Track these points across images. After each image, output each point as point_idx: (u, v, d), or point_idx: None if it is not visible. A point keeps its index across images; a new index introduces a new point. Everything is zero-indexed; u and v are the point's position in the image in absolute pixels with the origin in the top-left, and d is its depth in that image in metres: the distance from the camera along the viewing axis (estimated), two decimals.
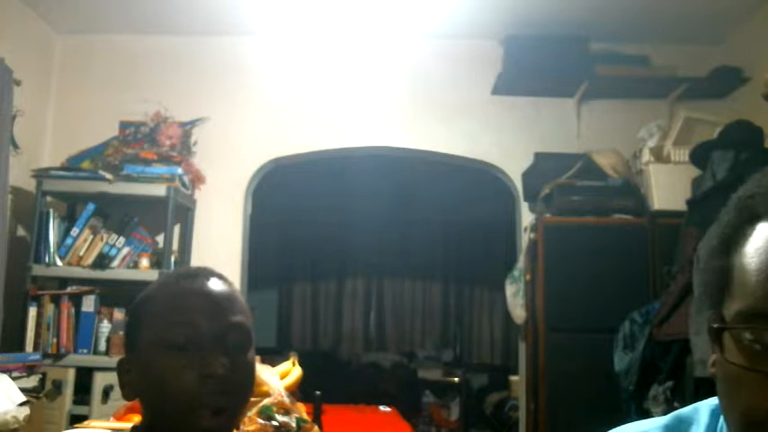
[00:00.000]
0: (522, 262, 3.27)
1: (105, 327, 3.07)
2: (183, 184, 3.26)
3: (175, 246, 3.31)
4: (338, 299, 6.97)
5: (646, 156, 3.16)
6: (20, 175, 3.14)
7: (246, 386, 0.93)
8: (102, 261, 3.08)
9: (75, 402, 2.92)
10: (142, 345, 0.91)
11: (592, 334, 2.86)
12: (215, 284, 0.94)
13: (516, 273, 3.27)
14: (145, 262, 3.13)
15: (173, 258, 3.22)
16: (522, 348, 3.39)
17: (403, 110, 3.56)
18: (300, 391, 1.88)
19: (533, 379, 3.05)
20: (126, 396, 0.95)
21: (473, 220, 6.53)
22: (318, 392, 2.23)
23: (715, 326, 0.63)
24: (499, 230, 6.21)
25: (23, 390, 2.50)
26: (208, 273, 0.96)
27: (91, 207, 3.12)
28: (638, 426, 0.80)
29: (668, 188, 3.02)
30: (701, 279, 0.69)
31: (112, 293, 3.12)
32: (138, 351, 0.92)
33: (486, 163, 3.58)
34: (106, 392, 2.91)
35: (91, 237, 3.10)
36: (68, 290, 3.11)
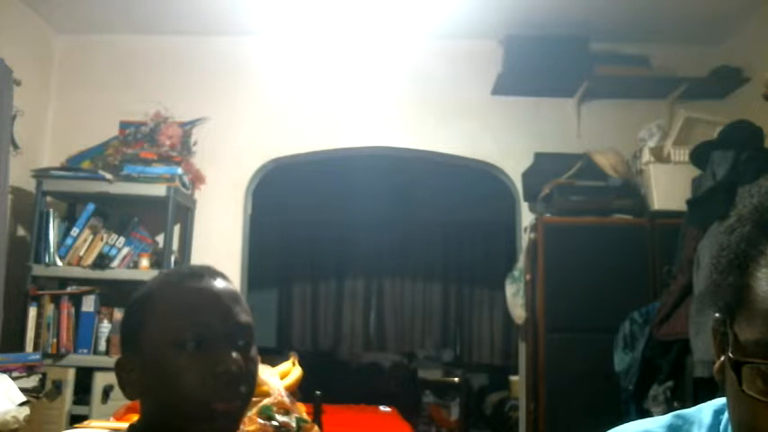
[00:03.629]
0: (522, 262, 3.27)
1: (105, 327, 3.07)
2: (183, 184, 3.26)
3: (175, 246, 3.31)
4: (338, 299, 6.96)
5: (646, 156, 3.16)
6: (20, 175, 3.14)
7: (254, 382, 0.96)
8: (102, 261, 3.08)
9: (75, 402, 2.92)
10: (149, 344, 0.92)
11: (592, 334, 2.87)
12: (221, 284, 0.96)
13: (516, 273, 3.27)
14: (145, 262, 3.13)
15: (173, 258, 3.22)
16: (522, 348, 3.39)
17: (403, 110, 3.56)
18: (300, 391, 1.88)
19: (533, 379, 3.05)
20: (129, 395, 0.96)
21: (473, 220, 6.53)
22: (318, 392, 2.23)
23: (732, 357, 0.61)
24: (499, 230, 6.21)
25: (23, 390, 2.50)
26: (213, 272, 0.98)
27: (91, 207, 3.12)
28: (640, 424, 0.80)
29: (668, 188, 3.02)
30: (710, 288, 0.67)
31: (112, 293, 3.12)
32: (143, 350, 0.92)
33: (486, 163, 3.58)
34: (106, 392, 2.91)
35: (91, 237, 3.10)
36: (68, 290, 3.11)
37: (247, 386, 0.93)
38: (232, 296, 0.96)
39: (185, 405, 0.89)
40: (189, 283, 0.95)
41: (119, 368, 0.96)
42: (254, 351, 0.96)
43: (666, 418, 0.78)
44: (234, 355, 0.91)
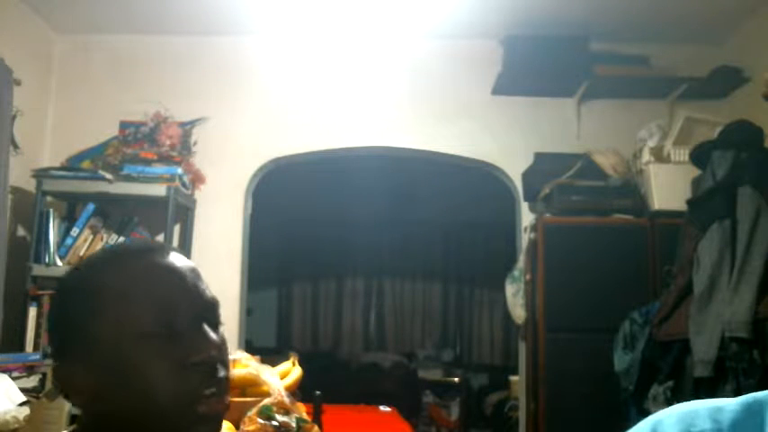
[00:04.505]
0: (522, 262, 3.27)
1: None
2: (183, 184, 3.26)
3: (175, 246, 3.31)
4: (338, 299, 6.97)
5: (646, 156, 3.16)
6: (20, 175, 3.14)
7: (229, 366, 0.84)
8: None
9: None
10: (103, 340, 0.76)
11: (592, 334, 2.86)
12: (179, 259, 0.82)
13: (516, 273, 3.27)
14: None
15: None
16: (522, 348, 3.39)
17: (403, 110, 3.56)
18: (300, 391, 1.88)
19: (533, 379, 3.05)
20: (79, 404, 0.79)
21: (473, 220, 6.53)
22: (318, 392, 2.23)
23: None
24: (499, 230, 6.21)
25: (23, 390, 2.50)
26: (165, 247, 0.84)
27: (91, 207, 3.12)
28: (712, 401, 0.79)
29: (668, 188, 3.02)
30: None
31: None
32: (95, 348, 0.76)
33: (486, 163, 3.58)
34: None
35: (91, 237, 3.10)
36: None
37: (226, 371, 0.81)
38: (194, 271, 0.82)
39: (161, 408, 0.75)
40: (143, 260, 0.80)
41: (62, 375, 0.79)
42: (222, 331, 0.83)
43: (741, 399, 0.77)
44: (212, 337, 0.79)
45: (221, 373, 0.79)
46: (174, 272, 0.80)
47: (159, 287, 0.78)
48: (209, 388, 0.77)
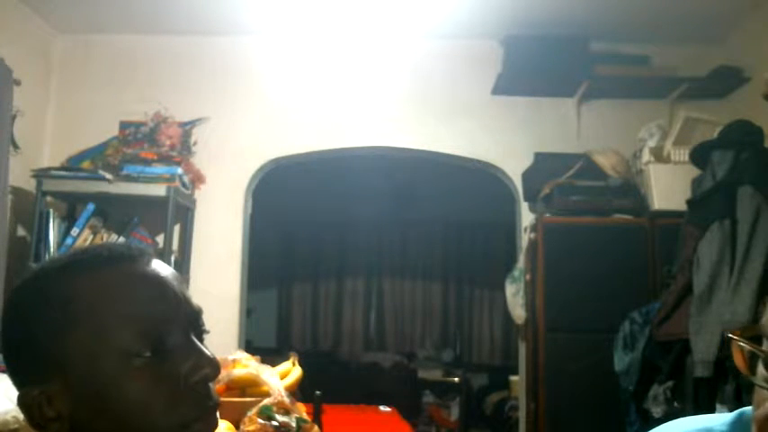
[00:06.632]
0: (522, 262, 3.27)
1: None
2: (183, 184, 3.26)
3: (175, 246, 3.31)
4: (338, 299, 6.97)
5: (646, 156, 3.16)
6: (20, 175, 3.14)
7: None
8: None
9: None
10: (80, 360, 0.66)
11: (592, 334, 2.87)
12: (161, 266, 0.74)
13: (516, 273, 3.27)
14: None
15: (173, 258, 3.22)
16: (522, 348, 3.39)
17: (403, 110, 3.56)
18: (300, 391, 1.88)
19: (533, 379, 3.05)
20: None
21: (473, 220, 6.54)
22: (318, 392, 2.23)
23: None
24: (499, 230, 6.22)
25: None
26: (143, 252, 0.74)
27: (91, 207, 3.12)
28: (703, 422, 0.77)
29: (668, 188, 3.02)
30: None
31: None
32: (70, 370, 0.67)
33: (486, 163, 3.58)
34: None
35: (91, 237, 3.10)
36: None
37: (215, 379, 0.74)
38: (178, 278, 0.74)
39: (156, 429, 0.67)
40: (123, 267, 0.71)
41: (29, 402, 0.67)
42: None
43: (729, 417, 0.76)
44: (206, 353, 0.70)
45: (215, 396, 0.72)
46: (158, 280, 0.71)
47: (144, 299, 0.69)
48: (203, 409, 0.70)
